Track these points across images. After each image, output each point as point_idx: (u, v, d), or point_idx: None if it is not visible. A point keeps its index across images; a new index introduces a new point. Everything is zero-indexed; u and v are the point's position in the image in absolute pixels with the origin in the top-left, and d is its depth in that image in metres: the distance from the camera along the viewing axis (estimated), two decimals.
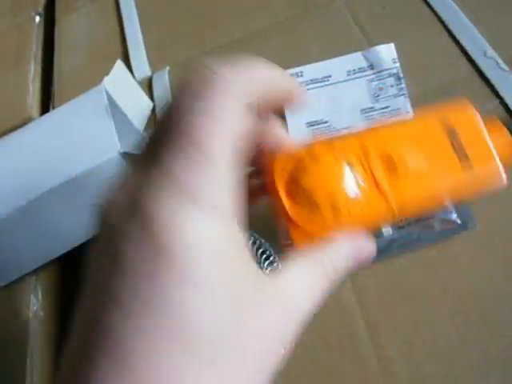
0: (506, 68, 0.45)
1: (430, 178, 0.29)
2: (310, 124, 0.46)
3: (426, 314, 0.36)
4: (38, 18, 0.73)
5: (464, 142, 0.29)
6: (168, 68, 0.58)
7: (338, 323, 0.37)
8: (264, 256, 0.39)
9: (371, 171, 0.28)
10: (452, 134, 0.29)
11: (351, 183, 0.27)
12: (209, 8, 0.62)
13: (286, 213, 0.27)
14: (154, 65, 0.60)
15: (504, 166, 0.29)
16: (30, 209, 0.41)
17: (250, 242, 0.40)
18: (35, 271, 0.47)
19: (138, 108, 0.52)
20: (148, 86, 0.57)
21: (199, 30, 0.61)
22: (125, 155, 0.39)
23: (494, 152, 0.29)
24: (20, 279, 0.46)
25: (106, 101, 0.43)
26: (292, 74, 0.48)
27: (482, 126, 0.30)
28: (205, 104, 0.20)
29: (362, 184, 0.27)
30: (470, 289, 0.36)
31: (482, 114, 0.42)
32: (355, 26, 0.54)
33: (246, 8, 0.60)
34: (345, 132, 0.40)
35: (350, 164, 0.27)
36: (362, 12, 0.55)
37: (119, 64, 0.49)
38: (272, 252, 0.40)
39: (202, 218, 0.18)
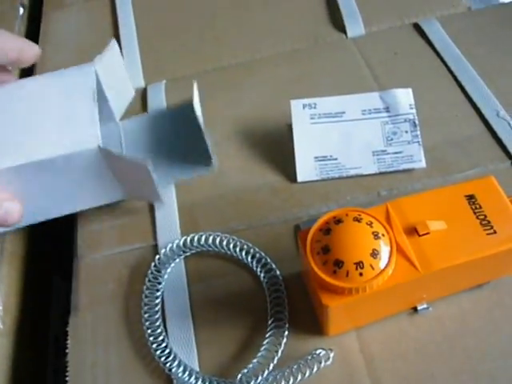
0: None
1: (451, 239, 0.30)
2: (319, 159, 0.44)
3: (432, 369, 0.34)
4: (21, 10, 0.68)
5: (484, 206, 0.32)
6: (165, 82, 0.54)
7: (341, 372, 0.34)
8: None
9: (393, 234, 0.30)
10: (472, 200, 0.32)
11: (375, 243, 0.29)
12: (214, 25, 0.60)
13: (317, 275, 0.29)
14: (148, 76, 0.56)
15: None
16: None
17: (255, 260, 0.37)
18: None
19: (120, 95, 0.48)
20: (141, 96, 0.54)
21: (201, 47, 0.58)
22: (105, 151, 0.36)
23: None
24: None
25: (94, 85, 0.40)
26: (305, 105, 0.46)
27: (501, 191, 0.33)
28: None
29: (385, 245, 0.29)
30: (479, 347, 0.34)
31: (495, 175, 0.42)
32: (365, 67, 0.53)
33: (254, 33, 0.58)
34: (354, 172, 0.39)
35: (372, 226, 0.29)
36: (372, 54, 0.54)
37: (113, 44, 0.45)
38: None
39: None
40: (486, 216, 0.31)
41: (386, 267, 0.29)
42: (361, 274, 0.28)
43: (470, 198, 0.32)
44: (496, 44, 0.53)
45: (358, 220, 0.30)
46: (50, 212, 0.41)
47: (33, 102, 0.41)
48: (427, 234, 0.31)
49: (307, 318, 0.35)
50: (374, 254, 0.28)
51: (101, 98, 0.43)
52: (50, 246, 0.49)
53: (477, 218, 0.31)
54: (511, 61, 0.50)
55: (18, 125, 0.39)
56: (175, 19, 0.62)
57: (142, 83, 0.55)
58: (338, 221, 0.30)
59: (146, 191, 0.40)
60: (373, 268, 0.28)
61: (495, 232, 0.31)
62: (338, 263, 0.28)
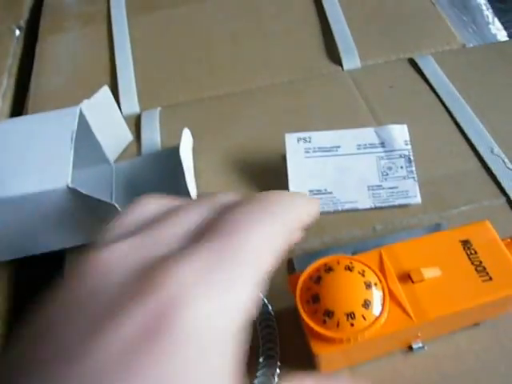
0: None
1: (446, 286, 0.30)
2: (314, 192, 0.43)
3: None
4: (17, 32, 0.68)
5: (480, 252, 0.31)
6: (159, 109, 0.54)
7: None
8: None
9: (386, 282, 0.29)
10: (467, 245, 0.32)
11: (367, 293, 0.28)
12: (211, 55, 0.60)
13: (306, 324, 0.28)
14: (144, 103, 0.56)
15: None
16: None
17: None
18: None
19: (114, 138, 0.49)
20: (135, 123, 0.53)
21: (197, 76, 0.58)
22: (74, 191, 0.36)
23: None
24: None
25: (75, 126, 0.40)
26: (299, 138, 0.45)
27: (496, 235, 0.32)
28: None
29: (378, 294, 0.29)
30: None
31: (490, 211, 0.42)
32: (361, 100, 0.53)
33: (250, 63, 0.58)
34: (349, 206, 0.39)
35: (364, 275, 0.29)
36: (368, 87, 0.54)
37: (105, 89, 0.46)
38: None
39: None
40: (481, 262, 0.31)
41: (378, 317, 0.28)
42: (352, 325, 0.27)
43: (465, 243, 0.32)
44: (490, 81, 0.53)
45: (349, 269, 0.29)
46: (27, 249, 0.42)
47: (14, 142, 0.42)
48: (421, 281, 0.30)
49: (300, 356, 0.34)
50: (366, 304, 0.28)
51: (91, 141, 0.44)
52: (39, 272, 0.47)
53: (472, 263, 0.31)
54: (504, 98, 0.51)
55: None
56: (172, 47, 0.62)
57: (137, 109, 0.55)
58: (328, 269, 0.29)
59: None
60: (364, 318, 0.28)
61: (491, 278, 0.30)
62: (328, 313, 0.28)
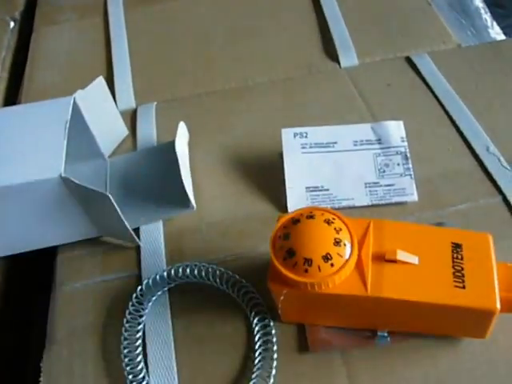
0: (508, 167, 0.44)
1: (416, 276, 0.30)
2: (310, 189, 0.43)
3: None
4: (12, 24, 0.67)
5: (466, 260, 0.30)
6: (155, 103, 0.53)
7: None
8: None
9: (359, 249, 0.30)
10: (457, 249, 0.31)
11: (336, 235, 0.29)
12: (208, 50, 0.59)
13: (272, 256, 0.30)
14: (140, 97, 0.55)
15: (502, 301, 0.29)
16: None
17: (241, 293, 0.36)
18: None
19: (109, 132, 0.48)
20: (131, 117, 0.53)
21: (194, 70, 0.58)
22: (67, 181, 0.35)
23: (496, 281, 0.30)
24: None
25: (68, 116, 0.40)
26: (296, 133, 0.45)
27: (492, 253, 0.31)
28: None
29: (344, 256, 0.29)
30: None
31: (486, 210, 0.42)
32: (358, 97, 0.52)
33: (247, 59, 0.58)
34: (346, 203, 0.38)
35: (339, 232, 0.30)
36: (365, 85, 0.54)
37: (100, 80, 0.45)
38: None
39: None
40: (462, 269, 0.30)
41: (348, 259, 0.29)
42: (332, 265, 0.29)
43: (456, 247, 0.31)
44: (485, 80, 0.53)
45: (311, 217, 0.30)
46: (19, 246, 0.41)
47: (8, 131, 0.41)
48: (394, 262, 0.30)
49: (297, 358, 0.34)
50: (337, 242, 0.29)
51: (85, 133, 0.43)
52: (31, 271, 0.47)
53: (453, 267, 0.30)
54: (500, 97, 0.51)
55: None
56: (168, 41, 0.61)
57: (132, 104, 0.54)
58: (295, 221, 0.31)
59: (118, 229, 0.39)
60: (340, 256, 0.29)
61: (463, 287, 0.29)
62: (308, 261, 0.29)
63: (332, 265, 0.29)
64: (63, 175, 0.36)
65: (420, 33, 0.60)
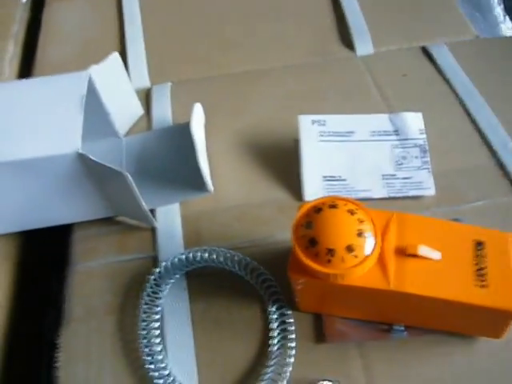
0: None
1: (438, 273, 0.30)
2: (327, 178, 0.43)
3: None
4: None
5: (489, 258, 0.30)
6: (170, 84, 0.53)
7: None
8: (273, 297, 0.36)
9: (381, 241, 0.30)
10: (479, 247, 0.31)
11: (355, 241, 0.29)
12: (223, 31, 0.59)
13: (294, 245, 0.30)
14: (153, 76, 0.54)
15: None
16: None
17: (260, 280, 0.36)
18: None
19: (125, 110, 0.48)
20: (144, 97, 0.52)
21: (208, 52, 0.57)
22: (84, 157, 0.35)
23: None
24: None
25: (84, 90, 0.39)
26: (314, 121, 0.45)
27: None
28: None
29: (367, 247, 0.29)
30: None
31: (503, 208, 0.42)
32: (374, 87, 0.52)
33: (262, 43, 0.57)
34: (363, 195, 0.38)
35: (362, 223, 0.29)
36: (381, 74, 0.53)
37: (115, 56, 0.44)
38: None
39: None
40: (485, 267, 0.30)
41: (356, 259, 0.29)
42: (356, 256, 0.29)
43: (478, 244, 0.31)
44: (503, 74, 0.53)
45: (334, 206, 0.30)
46: (34, 221, 0.40)
47: (23, 104, 0.40)
48: (415, 256, 0.30)
49: (314, 345, 0.34)
50: (360, 233, 0.29)
51: (100, 110, 0.43)
52: (47, 248, 0.47)
53: (475, 264, 0.30)
54: None
55: (2, 124, 0.39)
56: (182, 21, 0.60)
57: (146, 83, 0.53)
58: (317, 210, 0.30)
59: (134, 209, 0.38)
60: (363, 248, 0.29)
61: (484, 286, 0.29)
62: (331, 251, 0.29)
63: (355, 256, 0.29)
64: (80, 151, 0.35)
65: (437, 22, 0.59)
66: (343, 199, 0.31)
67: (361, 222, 0.30)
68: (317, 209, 0.30)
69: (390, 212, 0.32)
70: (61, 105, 0.39)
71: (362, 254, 0.29)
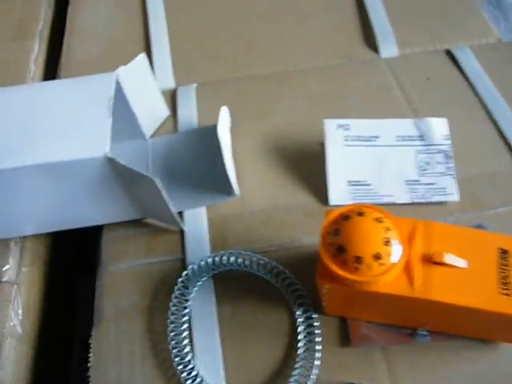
0: None
1: (463, 281, 0.30)
2: (352, 183, 0.43)
3: None
4: None
5: None
6: (195, 85, 0.53)
7: None
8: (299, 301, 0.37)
9: (407, 249, 0.30)
10: (504, 255, 0.31)
11: (382, 249, 0.29)
12: (247, 33, 0.59)
13: (322, 252, 0.30)
14: (178, 77, 0.55)
15: None
16: None
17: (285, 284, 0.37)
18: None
19: (151, 112, 0.48)
20: (170, 98, 0.53)
21: (233, 53, 0.57)
22: (112, 161, 0.35)
23: None
24: None
25: (112, 92, 0.39)
26: (339, 125, 0.45)
27: None
28: None
29: (393, 255, 0.30)
30: None
31: None
32: (398, 90, 0.52)
33: (287, 44, 0.57)
34: (387, 200, 0.39)
35: (388, 231, 0.30)
36: (405, 77, 0.53)
37: (142, 58, 0.45)
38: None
39: None
40: (508, 276, 0.30)
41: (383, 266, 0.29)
42: (382, 265, 0.29)
43: (503, 253, 0.31)
44: None
45: (362, 214, 0.31)
46: (63, 222, 0.41)
47: (51, 106, 0.40)
48: (441, 264, 0.31)
49: (340, 348, 0.35)
50: (387, 242, 0.29)
51: (126, 111, 0.43)
52: (77, 248, 0.48)
53: (500, 273, 0.31)
54: None
55: (32, 126, 0.39)
56: (206, 20, 0.60)
57: (171, 84, 0.54)
58: (345, 217, 0.31)
59: (162, 212, 0.39)
60: (390, 255, 0.29)
61: (508, 295, 0.30)
62: (358, 259, 0.29)
63: (382, 264, 0.29)
64: (109, 155, 0.35)
65: (460, 25, 0.59)
66: (370, 207, 0.32)
67: (388, 230, 0.30)
68: (344, 216, 0.31)
69: (416, 220, 0.33)
70: (89, 107, 0.39)
71: (388, 262, 0.29)
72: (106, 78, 0.41)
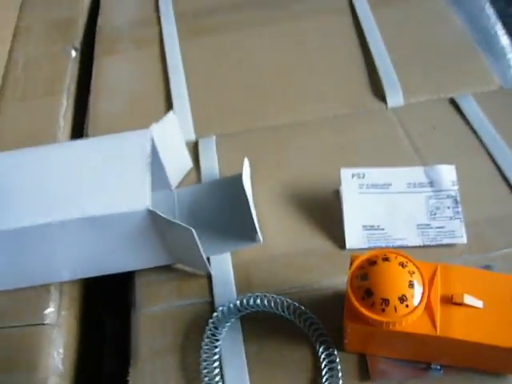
0: None
1: (482, 319, 0.33)
2: (367, 228, 0.46)
3: None
4: (74, 53, 0.71)
5: None
6: (215, 137, 0.57)
7: None
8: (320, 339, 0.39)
9: (428, 291, 0.33)
10: None
11: (407, 291, 0.32)
12: (260, 84, 0.62)
13: (350, 295, 0.33)
14: (199, 130, 0.58)
15: None
16: (39, 232, 0.40)
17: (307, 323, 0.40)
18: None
19: (177, 164, 0.51)
20: (192, 150, 0.56)
21: (249, 105, 0.61)
22: (153, 213, 0.38)
23: None
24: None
25: (149, 149, 0.42)
26: (354, 174, 0.49)
27: None
28: None
29: (417, 297, 0.33)
30: None
31: None
32: (405, 138, 0.55)
33: (297, 96, 0.61)
34: (400, 243, 0.41)
35: (412, 275, 0.33)
36: (411, 126, 0.56)
37: (171, 116, 0.48)
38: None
39: None
40: None
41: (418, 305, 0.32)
42: (407, 306, 0.32)
43: None
44: None
45: (388, 260, 0.34)
46: (98, 269, 0.44)
47: (90, 162, 0.44)
48: (460, 304, 0.33)
49: (359, 382, 0.37)
50: (411, 285, 0.32)
51: (156, 165, 0.46)
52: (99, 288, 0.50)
53: None
54: None
55: (74, 182, 0.42)
56: (221, 74, 0.64)
57: (192, 136, 0.58)
58: (372, 263, 0.34)
59: (192, 258, 0.42)
60: (413, 297, 0.32)
61: None
62: (385, 301, 0.32)
63: (407, 306, 0.32)
64: (150, 208, 0.39)
65: (462, 73, 0.62)
66: (394, 252, 0.35)
67: (411, 273, 0.33)
68: (371, 262, 0.34)
69: (435, 264, 0.36)
70: (126, 162, 0.43)
71: (412, 303, 0.32)
72: (141, 134, 0.44)
